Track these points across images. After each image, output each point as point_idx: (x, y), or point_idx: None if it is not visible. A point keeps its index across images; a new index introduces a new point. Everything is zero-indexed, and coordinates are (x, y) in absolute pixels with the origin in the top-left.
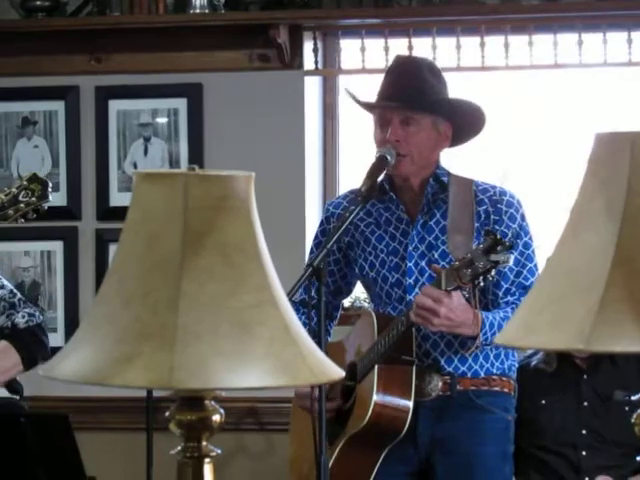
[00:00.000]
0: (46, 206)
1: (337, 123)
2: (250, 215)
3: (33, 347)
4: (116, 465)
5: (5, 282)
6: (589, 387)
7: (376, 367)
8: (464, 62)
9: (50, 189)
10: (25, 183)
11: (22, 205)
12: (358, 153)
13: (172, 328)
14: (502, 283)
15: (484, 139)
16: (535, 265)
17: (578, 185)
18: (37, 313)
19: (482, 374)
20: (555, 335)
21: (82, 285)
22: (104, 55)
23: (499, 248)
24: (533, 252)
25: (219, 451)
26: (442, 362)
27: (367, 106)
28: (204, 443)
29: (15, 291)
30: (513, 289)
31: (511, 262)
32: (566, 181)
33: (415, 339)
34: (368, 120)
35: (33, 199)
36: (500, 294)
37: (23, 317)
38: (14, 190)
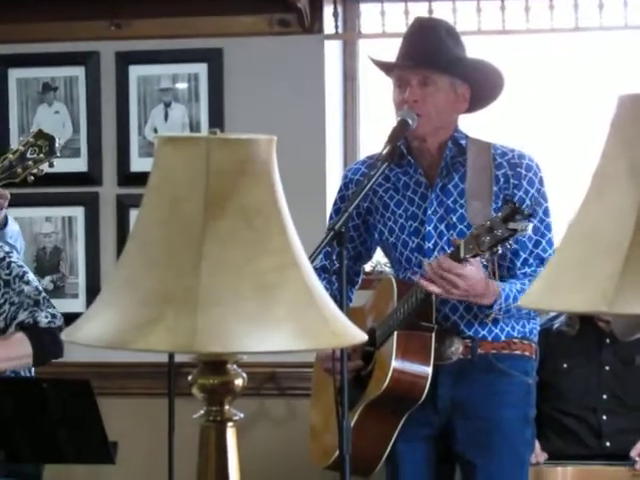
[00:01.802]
0: (55, 161)
1: (357, 87)
2: (272, 179)
3: (48, 348)
4: (138, 430)
5: (31, 278)
6: (611, 351)
7: (395, 333)
8: (484, 26)
9: (58, 144)
10: (32, 140)
11: (30, 163)
12: (378, 118)
13: (194, 292)
14: (520, 253)
15: (504, 104)
16: (552, 237)
17: (600, 147)
18: (59, 315)
19: (503, 337)
20: (578, 297)
21: (103, 251)
22: (124, 21)
23: (518, 216)
24: (551, 222)
25: (241, 415)
26: (462, 326)
27: (385, 67)
28: (227, 407)
29: (40, 289)
30: (531, 260)
31: (529, 231)
32: (586, 145)
33: (434, 306)
34: (388, 85)
35: (41, 156)
36: (518, 264)
37: (46, 317)
38: (21, 148)
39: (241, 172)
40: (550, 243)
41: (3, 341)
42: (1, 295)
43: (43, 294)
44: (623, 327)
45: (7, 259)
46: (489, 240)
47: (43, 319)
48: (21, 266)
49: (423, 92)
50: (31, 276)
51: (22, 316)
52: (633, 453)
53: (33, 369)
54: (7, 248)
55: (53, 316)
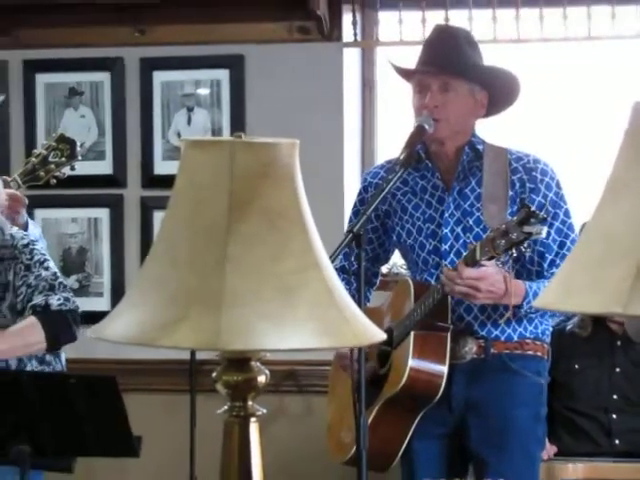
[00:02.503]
0: (76, 164)
1: (375, 94)
2: (294, 182)
3: (59, 329)
4: (161, 425)
5: (51, 265)
6: (622, 353)
7: (412, 333)
8: (500, 34)
9: (79, 148)
10: (54, 144)
11: (52, 166)
12: (395, 124)
13: (218, 291)
14: (547, 255)
15: (519, 110)
16: (576, 236)
17: (615, 153)
18: (73, 299)
19: (515, 338)
20: (593, 299)
21: (127, 251)
22: (148, 27)
23: (532, 220)
24: (573, 223)
25: (264, 411)
26: (475, 326)
27: (406, 73)
28: (250, 403)
29: (58, 274)
30: (558, 261)
31: (544, 234)
32: (600, 151)
33: (450, 306)
34: (405, 91)
35: (62, 159)
36: (545, 266)
37: (58, 300)
38: (43, 151)
39: (264, 175)
40: (574, 242)
41: (13, 329)
42: (20, 278)
43: (60, 280)
44: (637, 328)
45: (31, 246)
46: (504, 243)
47: (55, 302)
48: (43, 254)
49: (443, 97)
50: (51, 264)
51: (36, 299)
52: None
53: (64, 361)
54: (33, 237)
55: (66, 299)
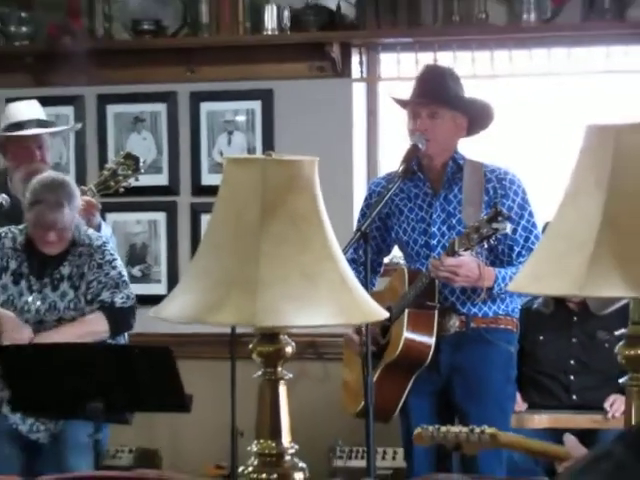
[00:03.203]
0: (139, 177)
1: (377, 120)
2: (314, 191)
3: (120, 322)
4: (207, 386)
5: (118, 264)
6: (578, 327)
7: (406, 311)
8: (477, 71)
9: (142, 164)
10: (121, 160)
11: (120, 177)
12: (394, 144)
13: (254, 279)
14: (514, 247)
15: (493, 132)
16: (538, 234)
17: (572, 166)
18: (132, 296)
19: (490, 314)
20: (556, 283)
21: (180, 247)
22: (196, 67)
23: (499, 218)
24: (536, 221)
25: (290, 375)
26: (458, 305)
27: (403, 103)
28: (279, 369)
29: (123, 272)
30: (523, 252)
31: (509, 229)
32: (559, 165)
33: (437, 289)
34: (401, 118)
35: (129, 172)
36: (514, 256)
37: (121, 298)
38: (113, 166)
39: (289, 186)
40: (537, 237)
41: (87, 319)
42: (93, 273)
43: (124, 278)
44: (596, 304)
45: (103, 247)
46: (477, 237)
47: (118, 300)
48: (112, 254)
49: (432, 123)
50: (119, 262)
51: (104, 295)
52: (606, 404)
53: (127, 336)
54: (105, 239)
55: (127, 297)
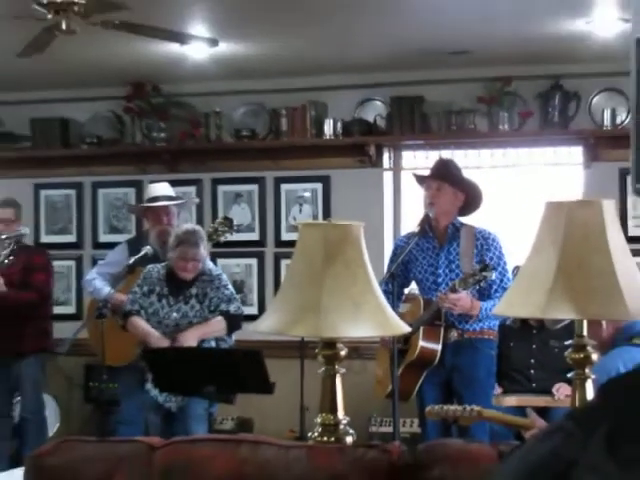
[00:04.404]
0: (235, 233)
1: (400, 197)
2: (360, 244)
3: (234, 325)
4: (284, 378)
5: (230, 287)
6: (537, 337)
7: (421, 327)
8: (469, 164)
9: (235, 225)
10: (221, 221)
11: (220, 232)
12: (412, 213)
13: (319, 305)
14: (493, 286)
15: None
16: (509, 277)
17: (536, 229)
18: (241, 308)
19: (478, 329)
20: (524, 309)
21: (266, 282)
22: (278, 160)
23: (487, 268)
24: (507, 269)
25: (343, 370)
26: (456, 323)
27: (421, 179)
28: (336, 366)
29: (234, 292)
30: (499, 290)
31: (494, 276)
32: (527, 228)
33: (444, 313)
34: (416, 196)
35: (226, 229)
36: (492, 292)
37: (234, 308)
38: (215, 225)
39: (344, 241)
40: (509, 279)
41: (211, 322)
42: (214, 293)
43: (234, 295)
44: (550, 322)
45: (220, 275)
46: (472, 281)
47: (232, 309)
48: (226, 280)
49: (438, 193)
50: (230, 286)
51: (222, 306)
52: (553, 390)
53: (233, 340)
54: (220, 270)
55: (238, 307)
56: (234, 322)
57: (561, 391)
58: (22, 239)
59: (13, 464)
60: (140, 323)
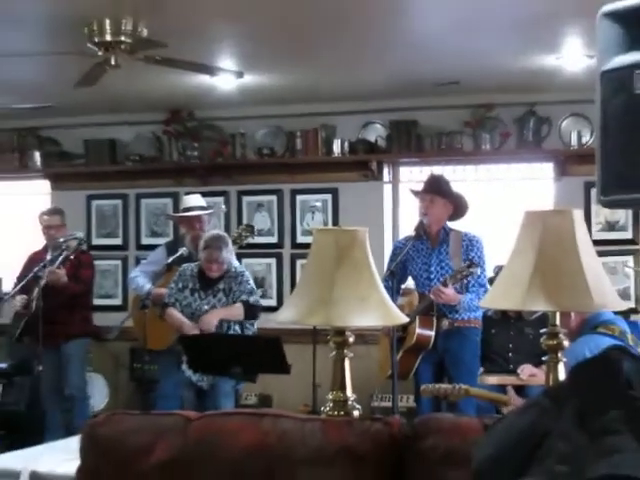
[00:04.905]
0: (255, 236)
1: (398, 206)
2: (365, 247)
3: (252, 313)
4: (299, 359)
5: (251, 282)
6: (514, 326)
7: (417, 317)
8: (457, 178)
9: (255, 231)
10: (244, 227)
11: (243, 237)
12: (408, 220)
13: (330, 299)
14: (472, 282)
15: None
16: (485, 274)
17: (516, 235)
18: (259, 299)
19: (466, 318)
20: (506, 301)
21: (284, 279)
22: (294, 175)
23: (472, 265)
24: (486, 268)
25: (351, 354)
26: (447, 313)
27: (416, 193)
28: (345, 351)
29: (254, 287)
30: (477, 285)
31: (478, 272)
32: (508, 232)
33: (436, 305)
34: (411, 206)
35: (248, 234)
36: (470, 287)
37: (254, 300)
38: (239, 231)
39: (352, 244)
40: (485, 277)
41: (234, 307)
42: (237, 287)
43: (254, 289)
44: (527, 313)
45: (242, 273)
46: (460, 277)
47: (252, 299)
48: (248, 277)
49: (430, 205)
50: (251, 281)
51: (243, 297)
52: (518, 370)
53: (255, 328)
54: (243, 269)
55: (256, 300)
56: (252, 311)
57: (525, 372)
58: (77, 243)
59: (67, 434)
60: (175, 314)
